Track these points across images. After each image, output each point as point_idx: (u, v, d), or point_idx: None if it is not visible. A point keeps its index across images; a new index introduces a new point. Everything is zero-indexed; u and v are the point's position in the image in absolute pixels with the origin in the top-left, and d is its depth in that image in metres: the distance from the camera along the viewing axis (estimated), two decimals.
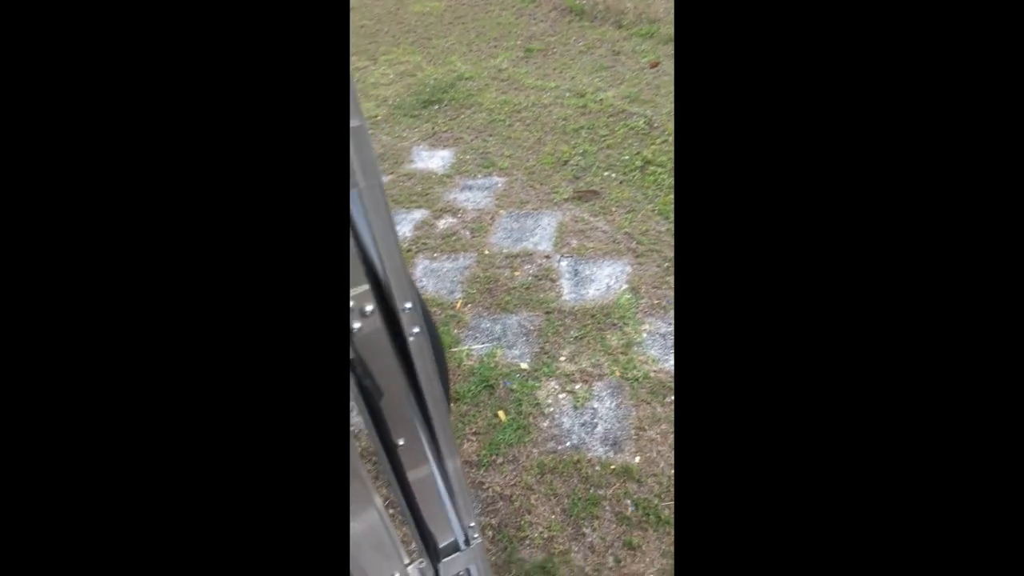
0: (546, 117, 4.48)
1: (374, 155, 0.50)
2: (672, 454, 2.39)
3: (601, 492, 2.33)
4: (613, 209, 3.58)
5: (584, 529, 2.23)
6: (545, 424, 2.56)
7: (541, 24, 5.85)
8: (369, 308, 0.59)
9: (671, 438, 2.44)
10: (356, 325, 0.59)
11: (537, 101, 4.67)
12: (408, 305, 0.61)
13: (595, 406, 2.60)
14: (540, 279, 3.21)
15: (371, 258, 0.58)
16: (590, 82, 4.81)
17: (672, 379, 2.64)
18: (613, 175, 3.83)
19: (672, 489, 2.29)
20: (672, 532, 2.17)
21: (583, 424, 2.54)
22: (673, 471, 2.34)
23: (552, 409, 2.61)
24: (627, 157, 3.92)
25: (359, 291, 0.58)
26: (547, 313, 3.02)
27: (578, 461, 2.42)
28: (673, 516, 2.20)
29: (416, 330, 0.63)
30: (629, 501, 2.28)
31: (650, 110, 4.32)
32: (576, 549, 2.18)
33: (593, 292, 3.10)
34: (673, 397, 2.57)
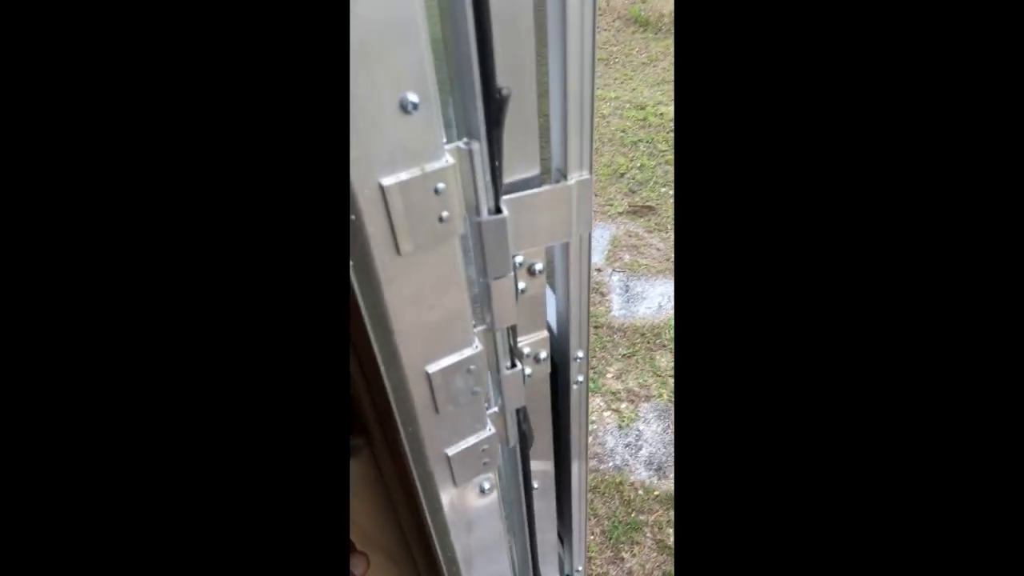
0: (604, 127, 4.44)
1: (591, 209, 0.48)
2: None
3: (643, 518, 2.29)
4: (669, 227, 3.53)
5: (623, 553, 2.20)
6: (588, 441, 2.53)
7: (604, 33, 5.80)
8: (543, 355, 0.57)
9: None
10: (528, 371, 0.57)
11: (596, 111, 4.63)
12: (580, 354, 0.59)
13: (640, 428, 2.57)
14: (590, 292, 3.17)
15: (559, 307, 0.56)
16: (651, 95, 4.75)
17: None
18: (670, 192, 3.77)
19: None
20: None
21: (627, 445, 2.51)
22: None
23: (596, 426, 2.58)
24: None
25: (537, 338, 0.56)
26: (595, 327, 2.99)
27: (620, 483, 2.39)
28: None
29: (580, 379, 0.61)
30: (672, 530, 2.24)
31: None
32: (614, 573, 2.15)
33: (644, 310, 3.06)
34: None
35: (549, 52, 0.42)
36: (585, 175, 0.46)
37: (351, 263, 0.38)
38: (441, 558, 0.59)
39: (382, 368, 0.43)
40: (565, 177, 0.46)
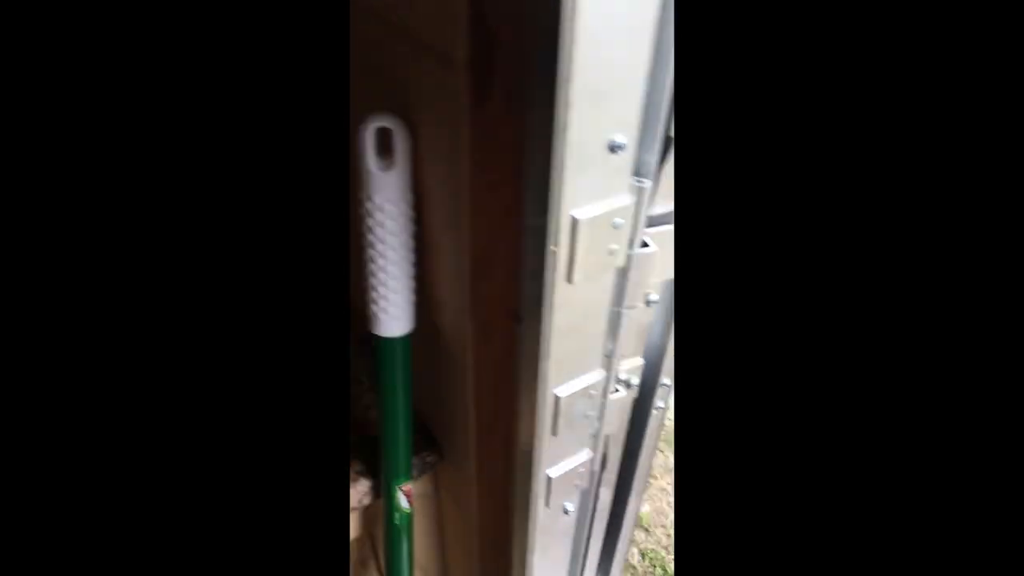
0: None
1: None
2: None
3: None
4: None
5: None
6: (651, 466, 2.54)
7: None
8: (635, 381, 0.59)
9: None
10: (622, 395, 0.59)
11: None
12: (667, 381, 0.61)
13: None
14: None
15: (654, 334, 0.58)
16: None
17: None
18: None
19: None
20: None
21: None
22: None
23: None
24: None
25: (634, 364, 0.58)
26: None
27: None
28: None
29: (661, 405, 0.63)
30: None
31: None
32: None
33: None
34: None
35: None
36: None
37: (542, 290, 0.39)
38: None
39: (532, 390, 0.44)
40: None
